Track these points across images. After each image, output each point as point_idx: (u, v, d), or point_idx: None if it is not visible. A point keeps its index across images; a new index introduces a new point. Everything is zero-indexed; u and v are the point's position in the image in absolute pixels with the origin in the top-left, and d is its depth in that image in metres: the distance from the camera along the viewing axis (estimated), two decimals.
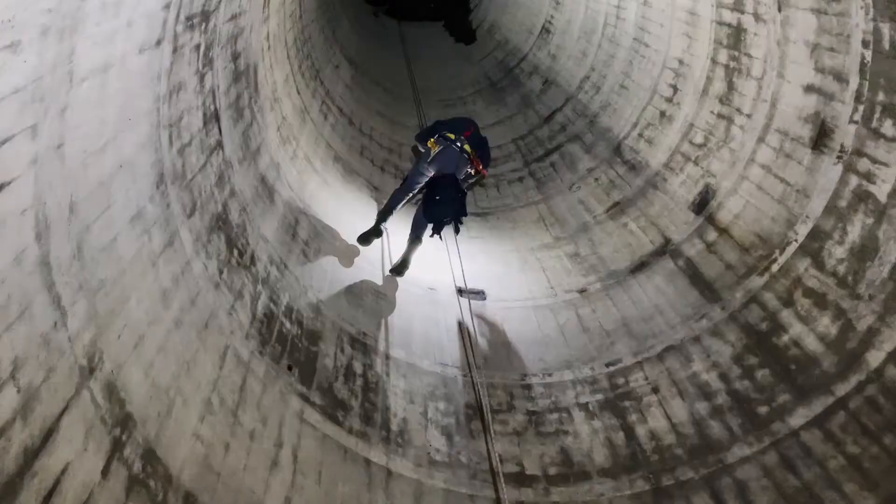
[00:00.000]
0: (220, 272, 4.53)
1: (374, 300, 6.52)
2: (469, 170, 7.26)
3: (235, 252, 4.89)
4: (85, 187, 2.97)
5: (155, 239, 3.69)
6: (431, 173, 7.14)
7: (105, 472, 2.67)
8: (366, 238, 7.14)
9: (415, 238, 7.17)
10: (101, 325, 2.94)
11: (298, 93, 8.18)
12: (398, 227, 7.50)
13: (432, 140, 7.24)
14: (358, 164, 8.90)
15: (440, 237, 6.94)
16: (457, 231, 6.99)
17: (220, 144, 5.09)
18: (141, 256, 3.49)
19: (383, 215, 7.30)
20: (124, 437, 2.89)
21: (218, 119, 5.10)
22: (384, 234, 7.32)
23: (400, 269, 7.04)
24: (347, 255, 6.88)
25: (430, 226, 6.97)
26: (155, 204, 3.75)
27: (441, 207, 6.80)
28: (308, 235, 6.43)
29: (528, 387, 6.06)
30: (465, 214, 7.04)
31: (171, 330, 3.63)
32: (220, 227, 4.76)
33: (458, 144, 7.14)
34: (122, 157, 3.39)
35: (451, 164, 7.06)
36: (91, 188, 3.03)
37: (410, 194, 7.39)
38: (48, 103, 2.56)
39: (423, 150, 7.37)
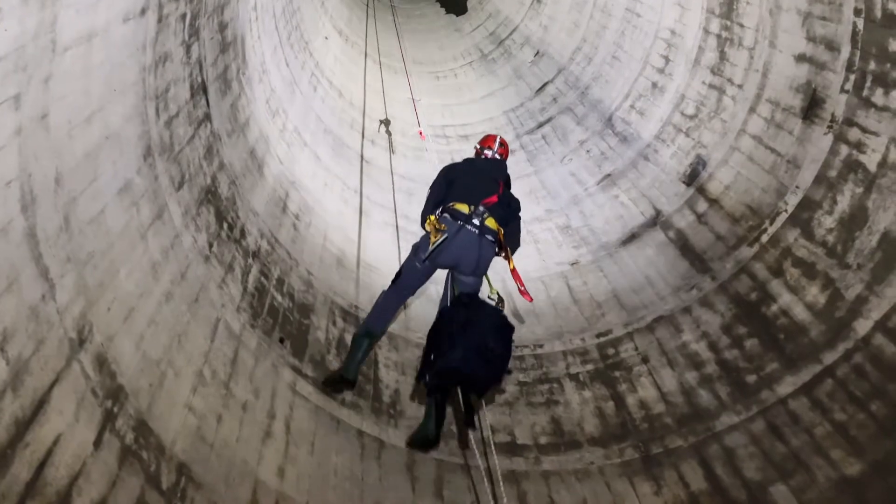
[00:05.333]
0: (210, 245, 4.51)
1: (365, 273, 6.52)
2: (496, 253, 4.68)
3: (225, 225, 4.87)
4: (71, 159, 2.93)
5: (143, 212, 3.66)
6: (433, 274, 4.79)
7: (97, 444, 2.68)
8: (333, 384, 4.65)
9: (437, 401, 4.28)
10: (90, 297, 2.93)
11: (287, 65, 8.09)
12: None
13: (433, 218, 4.54)
14: (348, 137, 8.84)
15: (467, 425, 4.20)
16: (481, 394, 4.22)
17: (207, 117, 5.04)
18: (129, 229, 3.46)
19: (359, 348, 4.57)
20: (116, 409, 2.90)
21: (205, 91, 5.04)
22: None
23: (427, 443, 4.33)
24: (338, 228, 6.87)
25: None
26: (143, 176, 3.72)
27: (476, 362, 3.88)
28: (298, 209, 6.41)
29: (520, 358, 6.10)
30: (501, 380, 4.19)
31: (161, 303, 3.62)
32: (209, 200, 4.74)
33: (477, 222, 4.46)
34: (109, 129, 3.36)
35: (467, 259, 4.45)
36: (77, 160, 2.99)
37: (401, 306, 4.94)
38: (31, 72, 2.52)
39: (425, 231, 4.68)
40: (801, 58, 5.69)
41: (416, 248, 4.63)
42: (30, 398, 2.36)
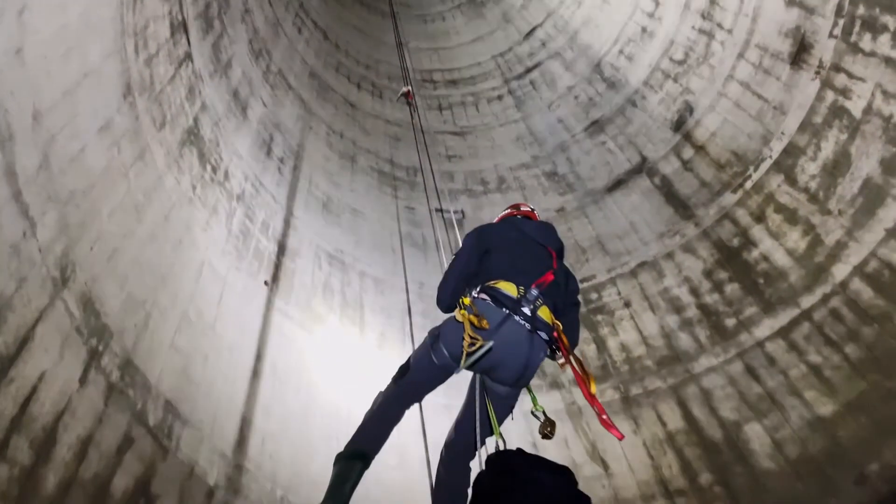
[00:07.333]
0: (194, 188, 4.48)
1: (351, 218, 6.51)
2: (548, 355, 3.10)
3: (209, 167, 4.83)
4: (49, 96, 2.88)
5: (125, 151, 3.62)
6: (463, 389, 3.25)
7: (83, 381, 2.71)
8: None
9: None
10: (72, 236, 2.92)
11: (271, 4, 7.90)
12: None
13: (468, 301, 2.98)
14: (334, 81, 8.71)
15: None
16: None
17: (189, 56, 4.94)
18: (111, 169, 3.43)
19: (347, 477, 2.77)
20: (101, 348, 2.92)
21: (186, 29, 4.93)
22: None
23: None
24: (325, 173, 6.82)
25: None
26: (123, 115, 3.66)
27: None
28: (283, 152, 6.35)
29: None
30: None
31: (145, 244, 3.61)
32: (191, 141, 4.68)
33: (528, 312, 2.93)
34: (87, 66, 3.29)
35: (512, 363, 2.89)
36: (55, 97, 2.94)
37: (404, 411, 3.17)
38: (4, 5, 2.46)
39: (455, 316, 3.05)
40: (791, 2, 5.61)
41: (437, 338, 3.03)
42: (13, 335, 2.37)
